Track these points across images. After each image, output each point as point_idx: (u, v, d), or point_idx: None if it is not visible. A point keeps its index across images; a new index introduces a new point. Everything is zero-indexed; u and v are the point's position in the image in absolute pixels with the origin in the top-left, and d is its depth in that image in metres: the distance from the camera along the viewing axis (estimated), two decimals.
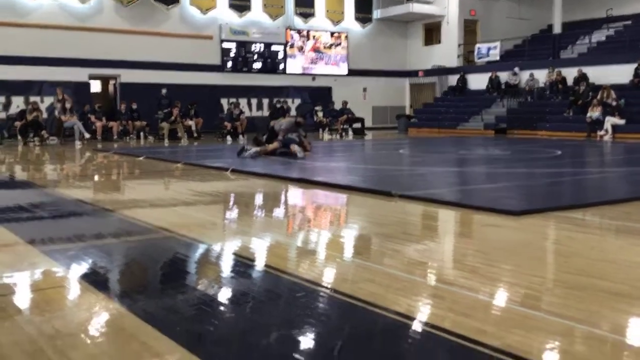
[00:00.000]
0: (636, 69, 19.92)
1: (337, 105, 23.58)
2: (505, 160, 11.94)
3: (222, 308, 3.23)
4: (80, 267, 4.02)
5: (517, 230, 5.17)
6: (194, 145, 17.57)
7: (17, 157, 14.18)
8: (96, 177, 10.34)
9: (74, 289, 3.60)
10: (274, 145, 12.19)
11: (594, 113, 18.74)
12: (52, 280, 3.80)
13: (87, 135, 18.19)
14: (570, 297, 3.28)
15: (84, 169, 11.92)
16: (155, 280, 3.93)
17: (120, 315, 3.07)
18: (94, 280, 3.73)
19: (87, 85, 21.33)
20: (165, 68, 21.92)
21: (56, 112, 18.51)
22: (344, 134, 22.00)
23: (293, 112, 24.01)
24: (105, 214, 6.11)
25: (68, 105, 18.39)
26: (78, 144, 17.33)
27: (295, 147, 11.83)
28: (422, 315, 3.06)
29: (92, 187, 8.80)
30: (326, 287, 3.51)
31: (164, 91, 20.93)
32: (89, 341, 2.73)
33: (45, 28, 19.97)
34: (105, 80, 22.95)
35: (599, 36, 24.04)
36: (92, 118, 19.17)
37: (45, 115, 19.61)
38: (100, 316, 3.09)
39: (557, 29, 23.61)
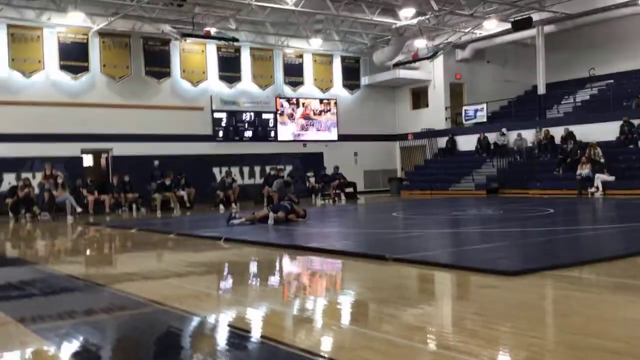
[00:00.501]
0: (622, 126, 20.29)
1: (329, 171, 23.76)
2: (499, 219, 11.96)
3: None
4: (72, 345, 3.93)
5: (514, 290, 5.12)
6: (187, 215, 17.54)
7: (8, 234, 14.08)
8: (88, 252, 10.25)
9: None
10: (264, 212, 12.20)
11: (584, 170, 18.94)
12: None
13: (79, 210, 18.16)
14: (571, 358, 3.22)
15: (75, 244, 11.84)
16: (147, 356, 3.84)
17: None
18: (86, 357, 3.65)
19: (80, 159, 21.45)
20: (157, 140, 22.15)
21: (46, 187, 18.46)
22: (336, 198, 22.06)
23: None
24: (97, 288, 6.03)
25: (60, 181, 18.43)
26: (70, 219, 17.26)
27: (279, 214, 11.88)
28: None
29: (83, 262, 8.71)
30: (323, 356, 3.44)
31: (156, 163, 21.07)
32: None
33: (37, 105, 20.26)
34: (97, 154, 23.11)
35: (584, 95, 24.59)
36: (84, 192, 19.18)
37: (36, 191, 19.62)
38: None
39: (541, 90, 24.16)
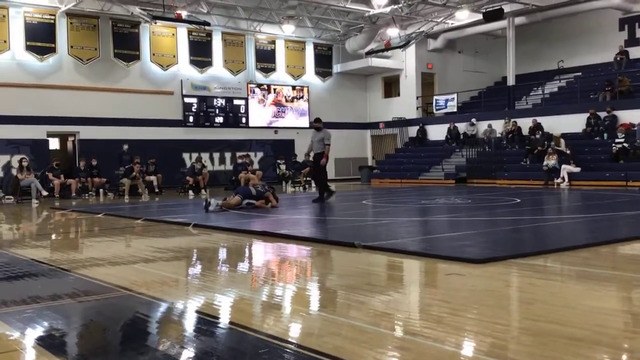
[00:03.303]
0: (588, 118, 20.65)
1: (300, 158, 23.72)
2: (467, 208, 12.10)
3: None
4: (35, 330, 3.87)
5: (480, 278, 5.19)
6: (155, 200, 17.36)
7: None
8: (53, 236, 10.08)
9: (28, 354, 3.45)
10: (237, 199, 12.15)
11: (550, 161, 19.25)
12: (5, 345, 3.63)
13: (44, 193, 17.84)
14: (534, 345, 3.28)
15: (40, 228, 11.63)
16: (113, 342, 3.79)
17: None
18: (50, 343, 3.59)
19: (46, 142, 21.04)
20: (125, 124, 21.85)
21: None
22: (307, 186, 22.05)
23: (256, 166, 24.07)
24: (62, 273, 5.93)
25: (25, 164, 18.08)
26: (35, 203, 16.95)
27: (234, 198, 12.09)
28: None
29: (48, 247, 8.56)
30: (291, 342, 3.44)
31: (125, 147, 20.78)
32: None
33: (2, 86, 19.78)
34: (63, 138, 22.71)
35: (552, 87, 24.96)
36: (50, 175, 18.84)
37: (1, 174, 19.22)
38: None
39: (511, 81, 24.45)
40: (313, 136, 14.09)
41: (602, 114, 20.45)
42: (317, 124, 14.23)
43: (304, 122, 26.63)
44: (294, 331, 3.79)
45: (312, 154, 14.24)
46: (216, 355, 3.32)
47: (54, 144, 22.47)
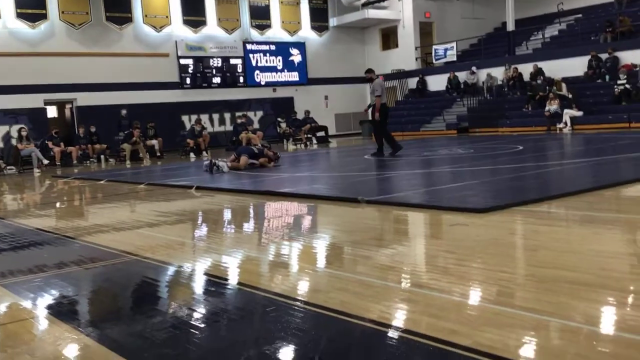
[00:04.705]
0: (590, 60, 20.38)
1: (300, 115, 23.60)
2: (469, 158, 12.06)
3: (192, 330, 3.14)
4: (44, 299, 3.89)
5: (484, 227, 5.19)
6: (157, 165, 17.35)
7: None
8: (57, 205, 10.10)
9: (37, 322, 3.48)
10: (245, 159, 12.11)
11: (552, 106, 19.09)
12: (14, 314, 3.67)
13: (45, 162, 17.83)
14: (540, 291, 3.29)
15: (43, 197, 11.65)
16: (121, 307, 3.82)
17: (87, 345, 2.97)
18: (59, 311, 3.62)
19: (43, 111, 20.91)
20: (122, 89, 21.66)
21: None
22: (308, 143, 21.99)
23: (256, 125, 23.96)
24: (68, 241, 5.95)
25: (24, 133, 18.02)
26: (37, 172, 16.96)
27: (242, 158, 11.99)
28: (394, 320, 3.03)
29: (52, 215, 8.59)
30: (298, 300, 3.47)
31: (123, 112, 20.67)
32: None
33: None
34: (61, 105, 22.56)
35: (552, 31, 24.56)
36: (50, 144, 18.79)
37: (1, 144, 19.18)
38: (65, 348, 2.98)
39: (510, 27, 24.04)
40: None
41: (604, 56, 20.16)
42: (367, 75, 13.49)
43: (303, 79, 26.36)
44: (301, 288, 3.81)
45: (370, 110, 13.26)
46: (223, 315, 3.34)
47: (52, 112, 22.34)
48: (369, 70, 13.62)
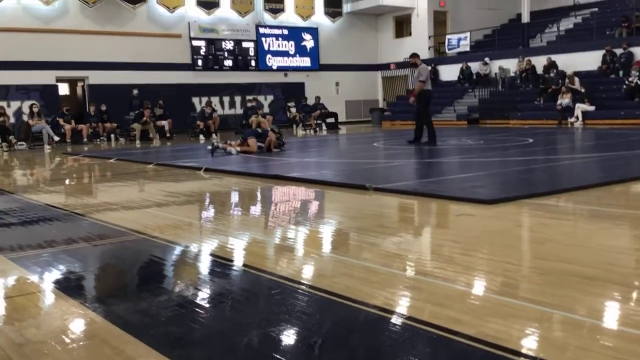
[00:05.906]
0: (604, 55, 20.19)
1: (310, 101, 23.54)
2: (479, 149, 12.02)
3: (197, 309, 3.17)
4: (52, 274, 3.93)
5: (491, 218, 5.19)
6: (167, 145, 17.39)
7: None
8: (66, 181, 10.16)
9: (44, 296, 3.52)
10: (253, 141, 12.11)
11: (564, 100, 18.96)
12: (22, 288, 3.71)
13: (56, 139, 17.92)
14: (545, 283, 3.30)
15: (53, 174, 11.72)
16: (128, 284, 3.86)
17: (93, 321, 3.01)
18: (65, 286, 3.65)
19: (55, 87, 20.96)
20: (134, 68, 21.65)
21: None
22: (317, 129, 21.97)
23: (266, 109, 23.94)
24: (76, 218, 6.00)
25: (35, 109, 18.08)
26: (47, 148, 17.04)
27: (249, 141, 12.02)
28: (398, 307, 3.05)
29: (62, 192, 8.65)
30: (303, 284, 3.48)
31: (135, 92, 20.68)
32: (59, 348, 2.66)
33: (9, 31, 19.57)
34: (73, 83, 22.60)
35: (567, 24, 24.32)
36: (61, 121, 18.85)
37: (12, 120, 19.26)
38: (72, 323, 3.02)
39: (525, 18, 23.84)
40: None
41: (619, 51, 19.96)
42: (412, 59, 13.19)
43: (315, 64, 26.27)
44: (306, 272, 3.83)
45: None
46: (229, 296, 3.37)
47: (64, 89, 22.39)
48: (414, 55, 13.25)
